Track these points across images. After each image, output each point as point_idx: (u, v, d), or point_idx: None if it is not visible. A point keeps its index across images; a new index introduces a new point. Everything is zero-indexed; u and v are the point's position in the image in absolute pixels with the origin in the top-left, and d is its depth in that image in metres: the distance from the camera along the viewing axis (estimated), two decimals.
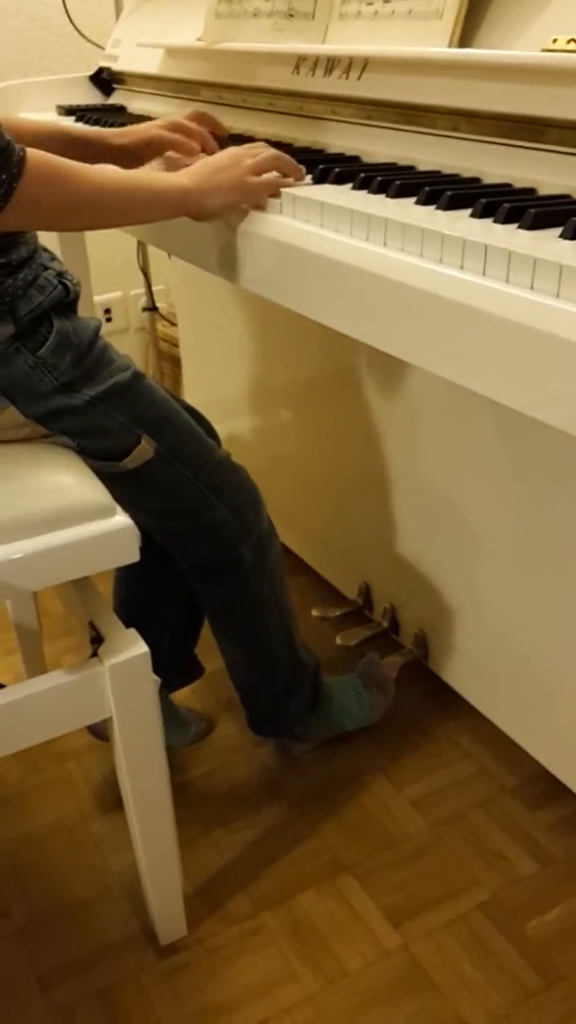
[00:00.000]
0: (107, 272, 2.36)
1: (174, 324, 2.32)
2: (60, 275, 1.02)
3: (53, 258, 1.04)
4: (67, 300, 1.02)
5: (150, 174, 1.01)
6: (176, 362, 2.28)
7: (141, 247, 2.26)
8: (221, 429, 1.32)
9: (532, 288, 0.67)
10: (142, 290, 2.39)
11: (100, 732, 1.40)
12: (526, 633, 1.30)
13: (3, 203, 0.87)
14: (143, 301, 2.41)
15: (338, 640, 1.58)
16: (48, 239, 1.07)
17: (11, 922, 1.22)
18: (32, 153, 0.88)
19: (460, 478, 1.34)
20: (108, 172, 0.96)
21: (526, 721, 1.36)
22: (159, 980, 1.14)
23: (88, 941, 1.19)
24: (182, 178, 0.99)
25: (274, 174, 1.01)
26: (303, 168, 1.02)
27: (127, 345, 2.55)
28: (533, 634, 1.29)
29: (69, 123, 1.52)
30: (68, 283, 1.02)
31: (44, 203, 0.90)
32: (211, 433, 1.28)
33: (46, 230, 0.98)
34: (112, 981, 1.14)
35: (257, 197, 0.99)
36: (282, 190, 0.97)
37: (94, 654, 0.99)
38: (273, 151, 1.02)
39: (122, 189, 0.95)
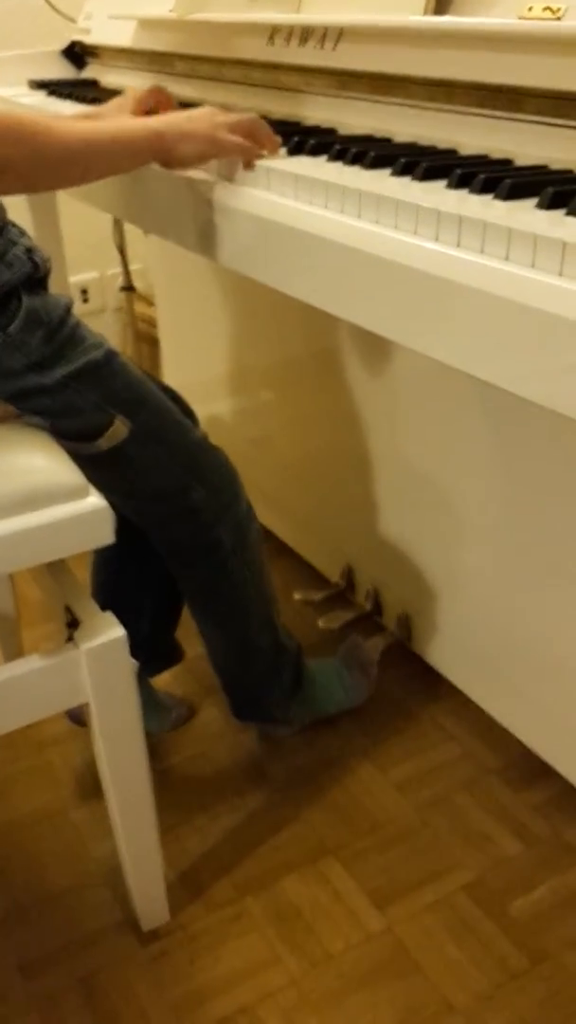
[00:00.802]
0: (83, 251, 2.33)
1: (152, 304, 2.29)
2: (29, 251, 0.99)
3: (22, 233, 1.02)
4: (37, 276, 1.00)
5: (119, 121, 0.99)
6: (154, 343, 2.25)
7: (117, 225, 2.23)
8: (201, 411, 1.30)
9: (507, 259, 0.66)
10: (119, 270, 2.35)
11: (78, 718, 1.39)
12: (509, 615, 1.29)
13: None
14: (120, 281, 2.37)
15: (320, 623, 1.57)
16: (20, 218, 1.05)
17: None
18: None
19: (443, 459, 1.32)
20: (77, 123, 0.94)
21: (510, 702, 1.35)
22: (142, 967, 1.13)
23: (70, 929, 1.18)
24: (153, 122, 0.97)
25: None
26: (279, 140, 1.00)
27: (104, 326, 2.52)
28: (516, 615, 1.28)
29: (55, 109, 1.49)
30: (38, 259, 0.99)
31: (12, 161, 0.88)
32: (188, 413, 1.26)
33: (17, 192, 0.95)
34: (94, 969, 1.13)
35: (228, 153, 0.97)
36: (256, 162, 0.95)
37: (70, 638, 0.98)
38: (252, 115, 1.00)
39: (92, 139, 0.93)
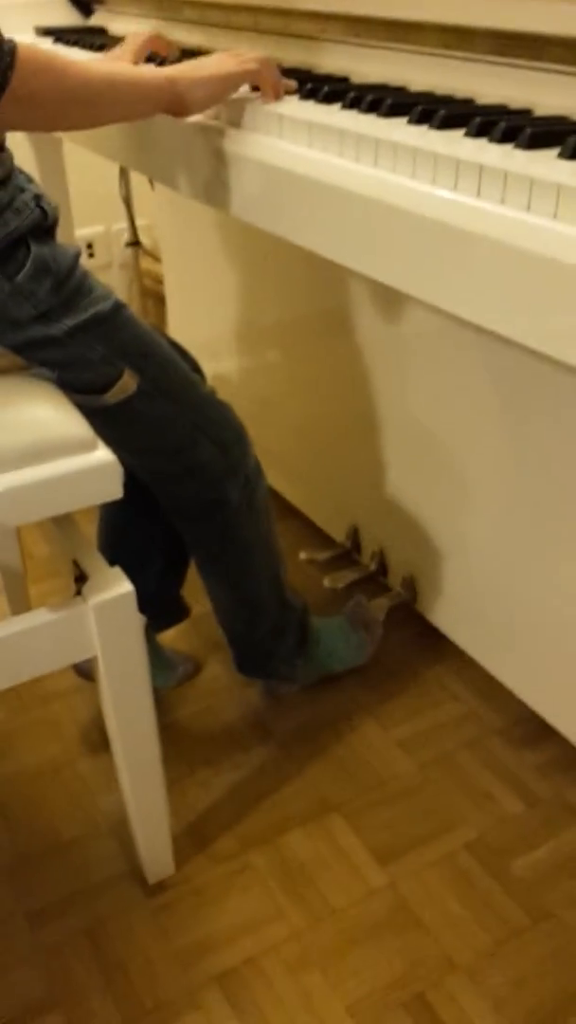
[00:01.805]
0: (89, 204, 2.29)
1: (158, 260, 2.26)
2: (37, 198, 0.97)
3: (30, 180, 1.00)
4: (45, 225, 0.98)
5: (133, 67, 0.97)
6: (160, 299, 2.23)
7: (124, 177, 2.19)
8: (207, 369, 1.29)
9: (528, 209, 0.64)
10: (125, 224, 2.32)
11: (86, 671, 1.39)
12: (514, 576, 1.28)
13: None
14: (126, 236, 2.34)
15: (326, 583, 1.56)
16: (26, 167, 1.03)
17: None
18: (23, 44, 0.84)
19: (450, 419, 1.31)
20: (94, 63, 0.92)
21: (513, 663, 1.35)
22: (147, 918, 1.14)
23: (75, 880, 1.19)
24: (165, 70, 0.96)
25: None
26: (293, 83, 0.98)
27: (110, 282, 2.48)
28: (521, 577, 1.27)
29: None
30: (46, 207, 0.98)
31: (39, 95, 0.86)
32: (196, 369, 1.25)
33: (39, 129, 0.94)
34: (100, 920, 1.14)
35: (240, 79, 0.97)
36: (269, 108, 0.92)
37: (78, 592, 0.97)
38: (261, 55, 0.99)
39: (112, 80, 0.92)
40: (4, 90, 0.83)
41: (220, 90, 0.97)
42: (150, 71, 0.96)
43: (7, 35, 0.84)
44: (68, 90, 0.88)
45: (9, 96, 0.83)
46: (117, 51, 1.15)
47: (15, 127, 0.91)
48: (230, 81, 0.97)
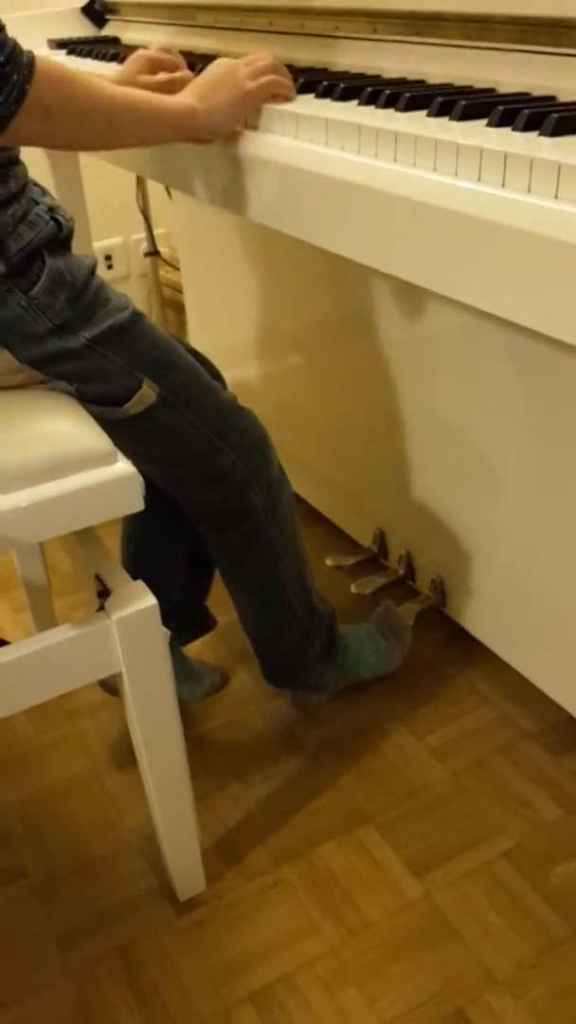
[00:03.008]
0: (106, 216, 2.29)
1: (177, 269, 2.25)
2: (52, 210, 0.96)
3: (44, 192, 0.99)
4: (60, 236, 0.97)
5: (152, 94, 0.95)
6: (180, 308, 2.21)
7: (140, 187, 2.19)
8: (228, 376, 1.27)
9: (557, 197, 0.62)
10: (143, 235, 2.32)
11: (111, 687, 1.38)
12: (546, 576, 1.26)
13: (16, 107, 0.81)
14: (144, 246, 2.33)
15: (353, 589, 1.54)
16: (43, 179, 1.02)
17: (28, 881, 1.20)
18: (40, 56, 0.83)
19: (475, 418, 1.28)
20: (115, 87, 0.91)
21: (547, 666, 1.32)
22: (179, 936, 1.12)
23: (106, 898, 1.17)
24: (184, 97, 0.94)
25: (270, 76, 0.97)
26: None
27: (129, 292, 2.46)
28: (553, 577, 1.24)
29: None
30: (60, 218, 0.96)
31: (56, 110, 0.85)
32: (216, 375, 1.23)
33: (53, 146, 0.92)
34: (131, 938, 1.12)
35: (259, 101, 0.96)
36: (284, 108, 0.91)
37: (101, 607, 0.96)
38: (268, 59, 0.98)
39: (131, 105, 0.90)
40: (22, 103, 0.82)
41: (241, 114, 0.97)
42: (172, 99, 0.95)
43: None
44: (85, 109, 0.87)
45: (26, 109, 0.82)
46: (123, 70, 1.12)
47: (30, 142, 0.89)
48: (248, 105, 0.96)
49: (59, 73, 0.84)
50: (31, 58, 0.82)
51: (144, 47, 1.27)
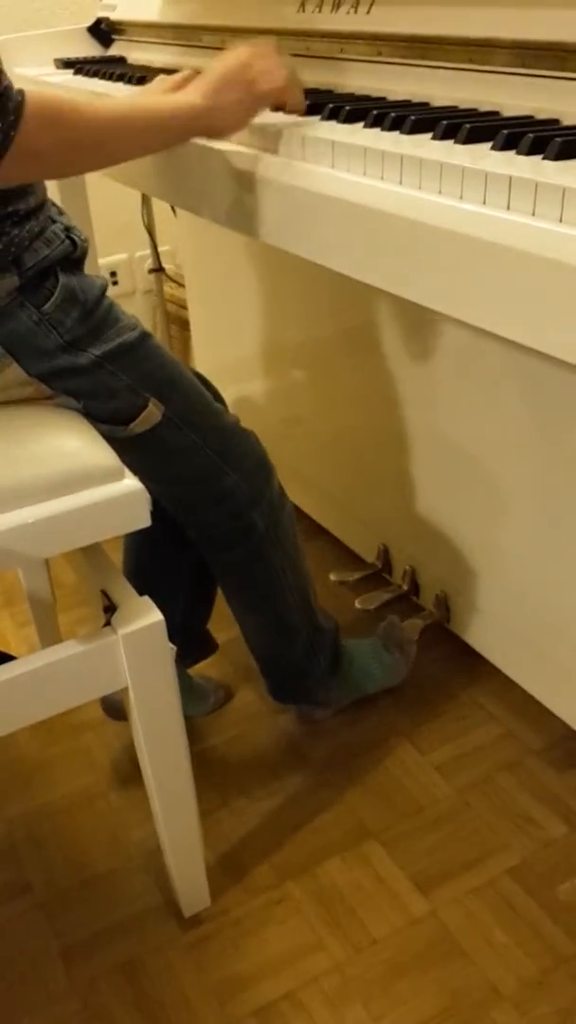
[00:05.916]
0: (112, 233, 2.31)
1: (182, 285, 2.27)
2: (68, 229, 0.98)
3: (61, 212, 1.00)
4: (74, 256, 0.98)
5: (156, 96, 0.95)
6: (184, 324, 2.23)
7: (146, 204, 2.20)
8: (233, 391, 1.28)
9: (561, 220, 0.63)
10: (148, 251, 2.33)
11: (115, 712, 1.38)
12: (550, 592, 1.26)
13: (1, 153, 0.82)
14: (149, 262, 2.35)
15: (357, 604, 1.54)
16: (50, 196, 1.03)
17: (32, 896, 1.20)
18: (31, 96, 0.82)
19: (480, 435, 1.29)
20: (111, 101, 0.90)
21: (552, 682, 1.32)
22: (183, 952, 1.12)
23: (110, 914, 1.17)
24: (192, 95, 0.93)
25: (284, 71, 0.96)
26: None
27: (134, 308, 2.49)
28: (557, 593, 1.25)
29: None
30: (76, 238, 0.98)
31: (45, 151, 0.85)
32: (218, 398, 1.24)
33: (49, 179, 0.93)
34: (136, 954, 1.12)
35: (271, 100, 0.96)
36: (289, 129, 0.91)
37: (107, 623, 0.96)
38: (275, 56, 0.96)
39: (126, 117, 0.89)
40: (6, 150, 0.81)
41: (247, 117, 0.95)
42: (177, 98, 0.93)
43: (30, 71, 0.83)
44: (75, 139, 0.87)
45: (12, 154, 0.82)
46: (147, 90, 1.12)
47: (22, 180, 0.90)
48: (259, 104, 0.95)
49: (51, 113, 0.83)
50: (19, 102, 0.81)
51: (149, 67, 1.29)
